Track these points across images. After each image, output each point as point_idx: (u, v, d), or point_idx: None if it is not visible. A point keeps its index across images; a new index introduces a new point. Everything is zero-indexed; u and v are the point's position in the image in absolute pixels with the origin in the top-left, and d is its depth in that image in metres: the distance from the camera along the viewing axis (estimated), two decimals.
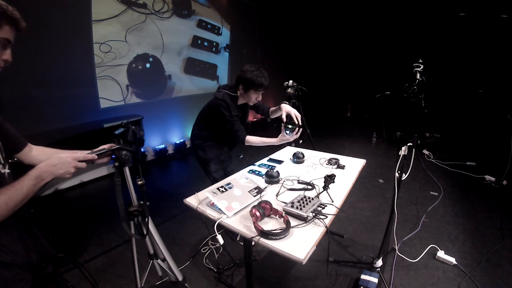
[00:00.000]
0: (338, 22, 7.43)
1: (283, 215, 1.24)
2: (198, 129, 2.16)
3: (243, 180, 1.59)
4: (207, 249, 2.28)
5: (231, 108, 1.90)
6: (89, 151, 0.94)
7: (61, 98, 3.41)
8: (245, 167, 1.98)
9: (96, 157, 0.93)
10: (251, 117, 6.91)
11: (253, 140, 1.88)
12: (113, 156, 1.08)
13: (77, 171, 0.88)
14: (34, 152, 1.11)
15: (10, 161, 0.95)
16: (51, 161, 0.86)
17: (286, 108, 1.94)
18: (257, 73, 1.84)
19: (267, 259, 2.14)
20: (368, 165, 2.33)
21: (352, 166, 1.94)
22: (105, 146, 1.11)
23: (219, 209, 1.34)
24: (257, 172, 1.86)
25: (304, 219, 1.23)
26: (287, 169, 1.90)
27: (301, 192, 1.50)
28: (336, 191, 1.52)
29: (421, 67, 1.82)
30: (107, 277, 2.01)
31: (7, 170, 0.91)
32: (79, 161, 0.89)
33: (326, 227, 1.19)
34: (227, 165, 2.26)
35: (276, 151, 2.35)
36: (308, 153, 2.22)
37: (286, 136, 1.79)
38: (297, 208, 1.27)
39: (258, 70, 1.86)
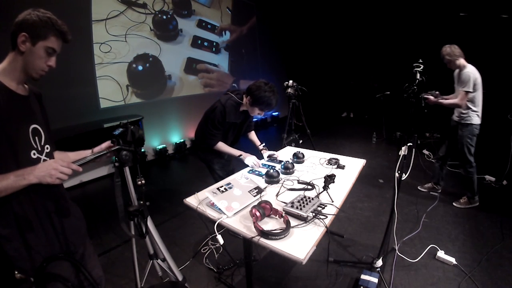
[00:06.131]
0: (338, 22, 7.42)
1: (283, 215, 1.24)
2: (200, 130, 2.16)
3: (243, 180, 1.59)
4: (207, 249, 2.27)
5: (227, 116, 1.93)
6: (76, 160, 0.96)
7: (61, 98, 3.41)
8: (245, 167, 1.99)
9: (80, 169, 0.95)
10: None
11: (220, 146, 2.04)
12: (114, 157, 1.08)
13: (62, 177, 0.89)
14: (71, 159, 1.16)
15: (48, 150, 1.05)
16: (37, 165, 0.89)
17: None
18: (269, 95, 1.85)
19: (267, 259, 2.14)
20: (368, 165, 2.33)
21: (352, 166, 1.94)
22: (103, 145, 1.16)
23: (219, 209, 1.34)
24: (257, 172, 1.86)
25: (304, 219, 1.23)
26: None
27: (301, 192, 1.50)
28: (336, 191, 1.52)
29: (421, 67, 1.83)
30: (107, 277, 2.00)
31: (43, 157, 1.02)
32: (63, 167, 0.90)
33: (326, 227, 1.19)
34: (228, 164, 2.27)
35: (276, 151, 2.35)
36: (308, 153, 2.22)
37: (249, 163, 1.99)
38: (297, 208, 1.27)
39: (272, 92, 1.86)
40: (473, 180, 2.72)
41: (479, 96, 2.55)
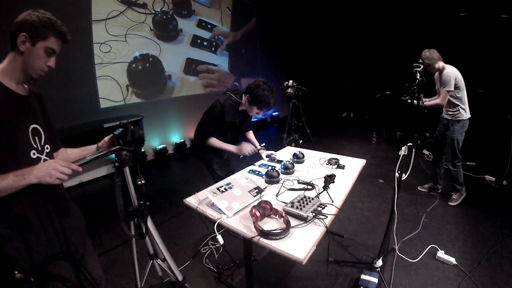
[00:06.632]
0: (338, 22, 7.42)
1: (283, 215, 1.24)
2: (199, 130, 2.16)
3: (243, 180, 1.59)
4: (207, 249, 2.27)
5: (225, 115, 1.93)
6: (76, 160, 0.97)
7: (61, 98, 3.41)
8: (245, 167, 1.99)
9: (80, 169, 0.95)
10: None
11: (213, 141, 2.03)
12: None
13: (62, 177, 0.90)
14: (72, 156, 1.20)
15: (48, 150, 1.05)
16: (37, 165, 0.89)
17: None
18: (268, 94, 1.85)
19: (267, 259, 2.14)
20: (368, 165, 2.33)
21: (352, 166, 1.94)
22: (106, 138, 1.19)
23: (219, 209, 1.34)
24: (257, 172, 1.86)
25: (304, 219, 1.23)
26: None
27: (301, 192, 1.50)
28: (336, 191, 1.52)
29: (421, 67, 1.83)
30: (107, 277, 2.00)
31: (43, 157, 1.02)
32: (63, 167, 0.90)
33: (326, 227, 1.19)
34: (228, 164, 2.27)
35: (276, 151, 2.35)
36: (308, 153, 2.22)
37: (244, 151, 2.03)
38: (297, 208, 1.27)
39: (271, 91, 1.86)
40: (461, 173, 2.86)
41: (464, 93, 2.69)
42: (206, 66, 5.69)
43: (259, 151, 2.23)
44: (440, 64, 2.66)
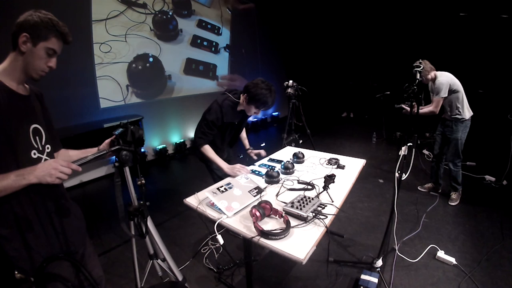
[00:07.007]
0: (338, 22, 7.42)
1: (283, 215, 1.24)
2: (199, 129, 2.16)
3: (243, 180, 1.59)
4: (207, 249, 2.28)
5: (224, 116, 1.92)
6: (76, 160, 0.96)
7: (61, 98, 3.41)
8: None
9: (80, 169, 0.95)
10: (251, 117, 6.91)
11: (207, 150, 1.93)
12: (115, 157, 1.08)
13: (62, 177, 0.89)
14: (73, 158, 1.17)
15: (48, 150, 1.05)
16: (37, 165, 0.89)
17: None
18: (266, 92, 1.83)
19: (267, 259, 2.14)
20: (368, 165, 2.33)
21: (352, 166, 1.94)
22: (107, 141, 1.17)
23: (219, 209, 1.34)
24: (257, 172, 1.86)
25: (304, 219, 1.23)
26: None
27: (301, 192, 1.50)
28: (336, 191, 1.52)
29: (421, 67, 1.83)
30: (107, 277, 1.99)
31: (44, 157, 1.02)
32: (63, 166, 0.90)
33: (326, 227, 1.19)
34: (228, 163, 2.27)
35: (276, 151, 2.35)
36: (308, 153, 2.22)
37: (235, 175, 1.78)
38: (297, 208, 1.27)
39: (269, 89, 1.84)
40: (460, 173, 2.90)
41: (463, 94, 2.72)
42: (229, 75, 6.09)
43: (248, 151, 2.25)
44: (433, 73, 2.69)
